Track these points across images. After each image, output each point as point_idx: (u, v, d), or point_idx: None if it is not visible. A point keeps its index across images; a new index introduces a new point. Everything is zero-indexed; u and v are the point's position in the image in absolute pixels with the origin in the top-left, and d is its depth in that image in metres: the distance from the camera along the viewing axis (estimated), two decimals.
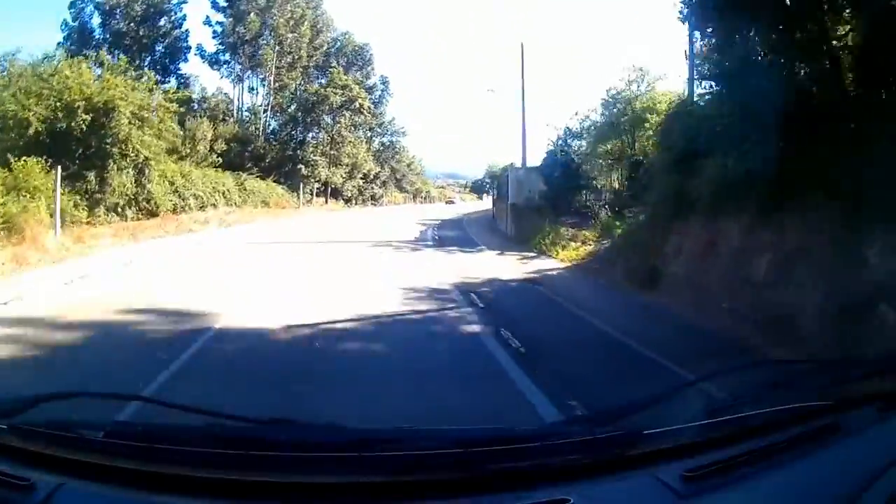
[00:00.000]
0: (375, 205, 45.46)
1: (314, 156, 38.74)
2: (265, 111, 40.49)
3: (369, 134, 45.94)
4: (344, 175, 41.27)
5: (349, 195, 42.68)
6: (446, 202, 61.98)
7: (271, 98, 40.49)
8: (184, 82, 35.79)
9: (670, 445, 1.27)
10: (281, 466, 1.21)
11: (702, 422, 1.35)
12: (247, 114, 40.32)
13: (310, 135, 40.41)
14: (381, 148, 49.17)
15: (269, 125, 41.02)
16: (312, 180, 38.18)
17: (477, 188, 71.74)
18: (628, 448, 1.25)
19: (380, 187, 48.29)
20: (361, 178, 43.41)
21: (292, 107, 40.79)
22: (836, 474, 1.22)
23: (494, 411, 3.70)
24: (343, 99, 39.43)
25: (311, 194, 37.98)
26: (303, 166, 37.28)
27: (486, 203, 44.03)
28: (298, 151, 38.39)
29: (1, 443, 1.25)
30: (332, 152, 39.99)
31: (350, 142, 41.21)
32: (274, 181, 32.97)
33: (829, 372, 1.68)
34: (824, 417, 1.39)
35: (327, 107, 39.24)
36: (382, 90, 46.76)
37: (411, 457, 1.25)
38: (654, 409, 1.37)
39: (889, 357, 2.92)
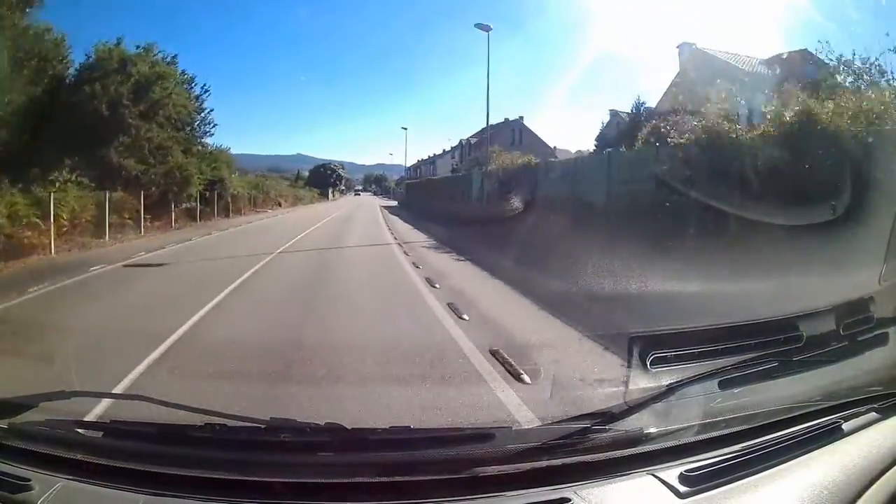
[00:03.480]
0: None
1: None
2: None
3: None
4: None
5: None
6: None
7: None
8: None
9: (670, 445, 1.27)
10: (280, 466, 1.21)
11: (702, 422, 1.35)
12: None
13: None
14: None
15: None
16: None
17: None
18: (628, 448, 1.24)
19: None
20: None
21: None
22: (836, 474, 1.21)
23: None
24: None
25: None
26: None
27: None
28: None
29: (1, 443, 1.25)
30: None
31: None
32: None
33: (829, 372, 1.68)
34: (824, 417, 1.39)
35: None
36: None
37: (411, 457, 1.24)
38: (654, 409, 1.36)
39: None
